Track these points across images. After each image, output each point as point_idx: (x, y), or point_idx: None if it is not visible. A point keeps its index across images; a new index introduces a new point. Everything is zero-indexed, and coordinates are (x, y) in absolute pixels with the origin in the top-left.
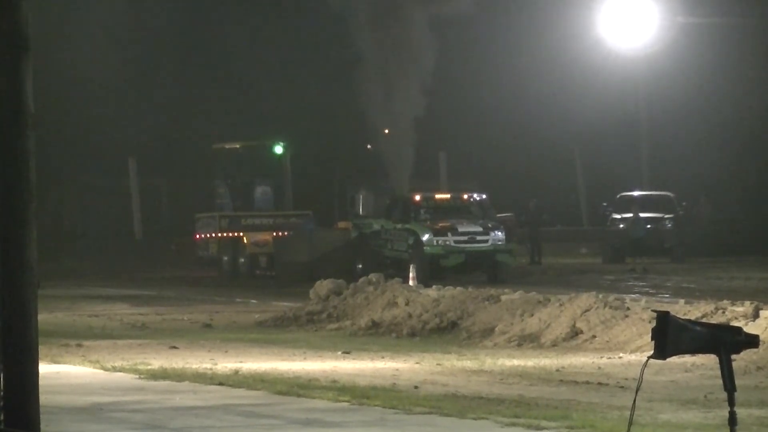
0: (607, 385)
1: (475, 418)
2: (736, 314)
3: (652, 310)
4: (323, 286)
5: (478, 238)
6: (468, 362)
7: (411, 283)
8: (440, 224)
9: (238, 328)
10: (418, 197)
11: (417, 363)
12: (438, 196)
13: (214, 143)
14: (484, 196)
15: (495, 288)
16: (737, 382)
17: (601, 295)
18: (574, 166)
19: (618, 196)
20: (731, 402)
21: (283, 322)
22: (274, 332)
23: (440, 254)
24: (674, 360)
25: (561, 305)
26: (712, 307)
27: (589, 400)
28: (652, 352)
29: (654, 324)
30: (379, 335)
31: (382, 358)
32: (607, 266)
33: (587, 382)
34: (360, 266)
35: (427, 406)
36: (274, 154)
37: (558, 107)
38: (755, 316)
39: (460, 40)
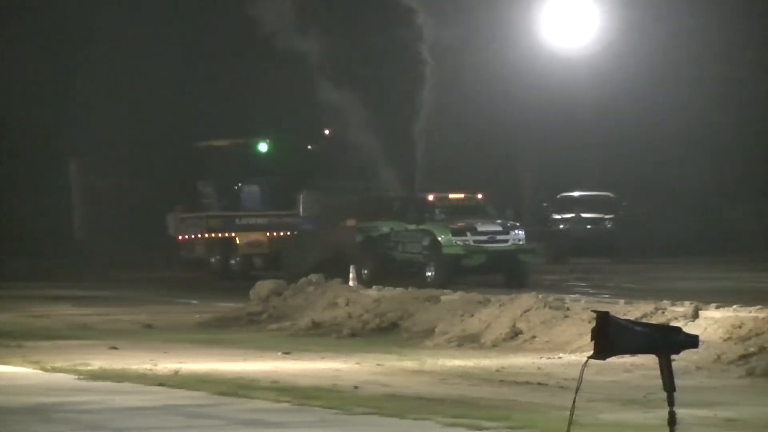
0: (547, 385)
1: (416, 419)
2: (676, 314)
3: (592, 311)
4: (264, 286)
5: (498, 237)
6: (409, 362)
7: (351, 283)
8: (458, 224)
9: (179, 329)
10: (432, 197)
11: (358, 363)
12: (452, 195)
13: (198, 141)
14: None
15: (435, 289)
16: (677, 382)
17: (541, 296)
18: (522, 166)
19: (558, 197)
20: (671, 402)
21: (223, 322)
22: (215, 333)
23: (461, 254)
24: (614, 360)
25: (501, 305)
26: (652, 307)
27: (530, 400)
28: (592, 352)
29: (594, 324)
30: (320, 336)
31: (323, 358)
32: (549, 266)
33: (528, 383)
34: (365, 272)
35: (368, 406)
36: (261, 153)
37: (505, 108)
38: (695, 316)
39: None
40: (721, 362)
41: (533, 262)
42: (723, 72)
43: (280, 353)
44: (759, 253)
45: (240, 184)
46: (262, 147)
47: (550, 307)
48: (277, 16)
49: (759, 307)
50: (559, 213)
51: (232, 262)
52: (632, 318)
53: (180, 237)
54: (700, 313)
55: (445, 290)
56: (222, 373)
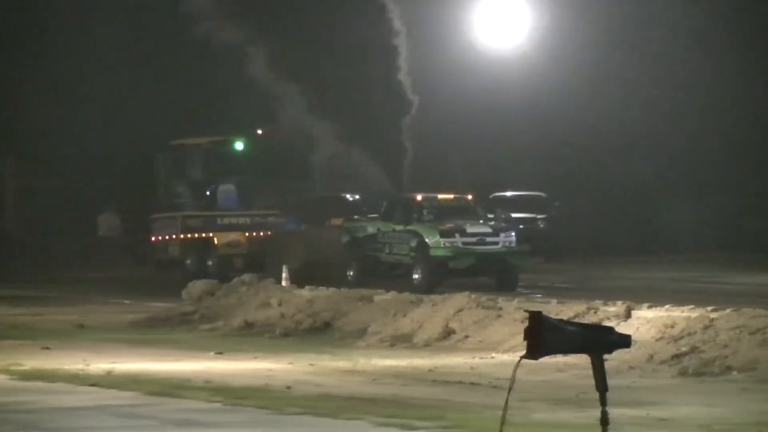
0: (480, 384)
1: (348, 418)
2: (608, 314)
3: (525, 310)
4: (196, 286)
5: (488, 239)
6: (341, 362)
7: (284, 283)
8: (447, 225)
9: (112, 329)
10: (419, 197)
11: (290, 363)
12: (441, 196)
13: (173, 140)
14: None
15: (368, 289)
16: (609, 381)
17: (473, 296)
18: (456, 166)
19: (490, 197)
20: (603, 402)
21: (156, 322)
22: (148, 333)
23: (448, 256)
24: (547, 360)
25: (434, 305)
26: (584, 307)
27: (463, 400)
28: (524, 352)
29: (527, 324)
30: (253, 336)
31: (256, 358)
32: None
33: (460, 382)
34: (351, 273)
35: (300, 406)
36: (238, 151)
37: (438, 108)
38: (627, 316)
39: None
40: (654, 362)
41: (523, 264)
42: (658, 72)
43: (212, 353)
44: (692, 254)
45: (216, 183)
46: (239, 145)
47: (483, 307)
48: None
49: (691, 307)
50: (491, 213)
51: (209, 263)
52: (565, 318)
53: (153, 237)
54: (633, 312)
55: (377, 290)
56: (154, 373)
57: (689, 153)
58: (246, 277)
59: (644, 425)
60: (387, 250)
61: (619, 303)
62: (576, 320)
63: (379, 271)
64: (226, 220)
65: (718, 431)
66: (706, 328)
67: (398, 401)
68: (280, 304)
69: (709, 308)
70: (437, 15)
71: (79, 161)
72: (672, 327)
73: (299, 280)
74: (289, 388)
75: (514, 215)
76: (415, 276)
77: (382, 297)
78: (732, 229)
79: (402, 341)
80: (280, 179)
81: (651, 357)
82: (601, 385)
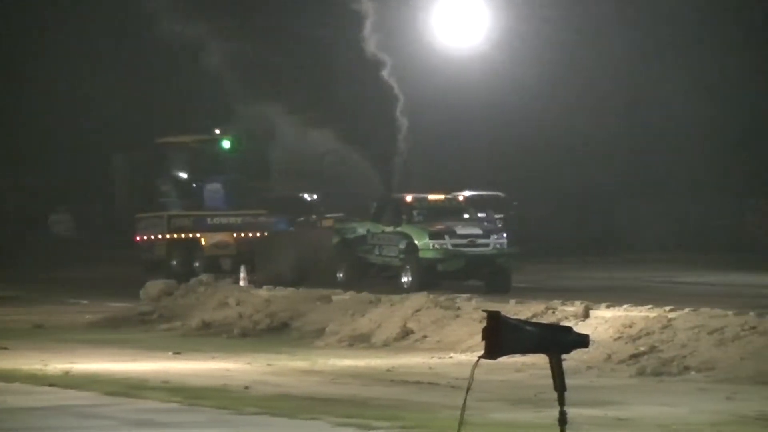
0: (438, 384)
1: (306, 419)
2: (566, 314)
3: (483, 310)
4: (154, 286)
5: (479, 241)
6: (299, 362)
7: (242, 283)
8: (437, 226)
9: (70, 329)
10: (410, 198)
11: (248, 363)
12: (431, 197)
13: (159, 137)
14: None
15: (328, 289)
16: (568, 381)
17: (432, 295)
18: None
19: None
20: (561, 402)
21: (114, 322)
22: (106, 333)
23: (437, 258)
24: (505, 360)
25: (392, 305)
26: (542, 306)
27: (421, 400)
28: (483, 351)
29: (485, 324)
30: (211, 336)
31: (214, 358)
32: None
33: (418, 382)
34: (341, 275)
35: (258, 406)
36: (225, 149)
37: (396, 107)
38: (585, 315)
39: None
40: (612, 361)
41: (514, 267)
42: (616, 72)
43: (170, 353)
44: (650, 254)
45: (202, 182)
46: (226, 143)
47: (441, 307)
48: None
49: (650, 306)
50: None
51: (196, 264)
52: (523, 317)
53: (138, 237)
54: (591, 312)
55: (335, 290)
56: (112, 373)
57: (649, 153)
58: (204, 277)
59: (602, 425)
60: (376, 252)
61: (578, 303)
62: (534, 320)
63: (369, 273)
64: (215, 220)
65: (676, 431)
66: (664, 328)
67: (356, 401)
68: (238, 304)
69: (668, 308)
70: (396, 14)
71: (34, 161)
72: (630, 327)
73: (288, 281)
74: (247, 388)
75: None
76: (404, 278)
77: (340, 297)
78: (690, 230)
79: (360, 341)
80: (240, 179)
81: (609, 357)
82: (560, 385)
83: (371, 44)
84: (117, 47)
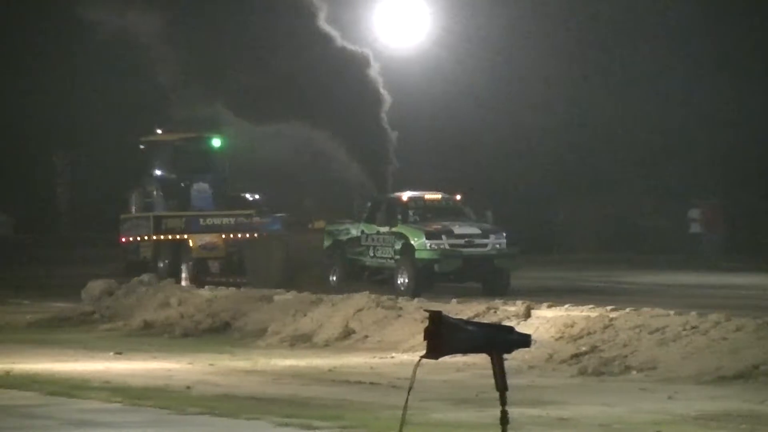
0: (379, 384)
1: (248, 419)
2: (508, 314)
3: (425, 310)
4: (95, 286)
5: (477, 241)
6: (241, 362)
7: (184, 283)
8: (433, 226)
9: (10, 329)
10: (405, 197)
11: (190, 363)
12: (428, 196)
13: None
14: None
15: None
16: (509, 381)
17: (373, 295)
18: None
19: (389, 196)
20: (503, 401)
21: (55, 322)
22: (47, 333)
23: (434, 259)
24: (447, 359)
25: (334, 305)
26: (484, 306)
27: (362, 400)
28: (424, 351)
29: (427, 324)
30: (152, 336)
31: (155, 358)
32: None
33: (360, 382)
34: (333, 278)
35: (200, 406)
36: (214, 148)
37: (340, 107)
38: (527, 315)
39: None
40: (553, 361)
41: (513, 268)
42: (556, 72)
43: (112, 353)
44: (590, 253)
45: (189, 182)
46: (216, 142)
47: (383, 307)
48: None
49: (591, 306)
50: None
51: (184, 266)
52: (464, 317)
53: (123, 238)
54: (533, 312)
55: (277, 290)
56: (54, 374)
57: (587, 153)
58: (145, 276)
59: (544, 425)
60: (371, 254)
61: (519, 302)
62: (476, 320)
63: (363, 276)
64: (203, 221)
65: (617, 430)
66: (605, 327)
67: (298, 401)
68: (179, 304)
69: (609, 308)
70: (337, 13)
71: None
72: (572, 326)
73: (279, 284)
74: (188, 388)
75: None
76: (400, 280)
77: (282, 297)
78: (629, 229)
79: (302, 341)
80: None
81: (551, 356)
82: (501, 385)
83: (322, 39)
84: (60, 46)
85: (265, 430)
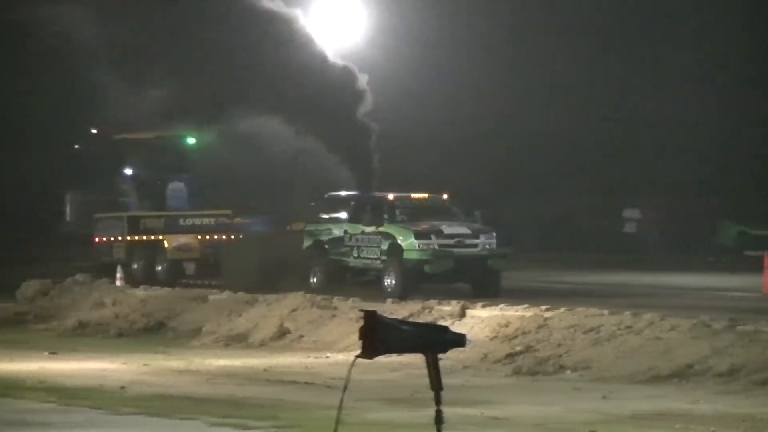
0: (314, 384)
1: (183, 419)
2: (443, 313)
3: (360, 310)
4: (29, 286)
5: (467, 241)
6: (175, 362)
7: (118, 283)
8: (422, 226)
9: None
10: (391, 197)
11: (124, 363)
12: (414, 195)
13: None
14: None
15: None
16: (444, 380)
17: (308, 295)
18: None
19: (326, 196)
20: (438, 401)
21: None
22: None
23: (424, 260)
24: (382, 359)
25: (269, 305)
26: (419, 306)
27: (297, 399)
28: (359, 351)
29: (361, 323)
30: (87, 335)
31: (90, 358)
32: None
33: (295, 382)
34: (314, 280)
35: (135, 406)
36: (189, 146)
37: (277, 107)
38: (462, 315)
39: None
40: (488, 361)
41: (505, 268)
42: (491, 71)
43: (46, 353)
44: (525, 253)
45: (164, 181)
46: (190, 140)
47: (318, 307)
48: None
49: (525, 306)
50: (326, 212)
51: (159, 268)
52: (400, 317)
53: (97, 239)
54: (467, 312)
55: (212, 290)
56: None
57: (523, 152)
58: (80, 276)
59: (478, 424)
60: (355, 254)
61: (454, 302)
62: (411, 319)
63: (346, 277)
64: (179, 222)
65: (551, 430)
66: (540, 327)
67: (233, 401)
68: (114, 304)
69: (543, 307)
70: (270, 12)
71: None
72: (506, 326)
73: (258, 286)
74: (123, 388)
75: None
76: (387, 281)
77: (216, 297)
78: (564, 229)
79: (237, 341)
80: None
81: (485, 356)
82: (436, 384)
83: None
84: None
85: (200, 430)
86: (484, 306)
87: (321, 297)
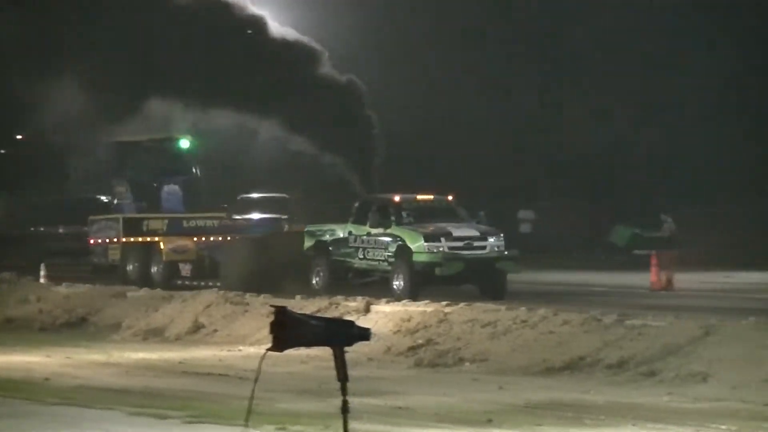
0: (228, 376)
1: (103, 408)
2: (349, 309)
3: (271, 306)
4: None
5: (476, 243)
6: (96, 355)
7: (42, 280)
8: (429, 228)
9: None
10: (398, 198)
11: (48, 356)
12: (420, 197)
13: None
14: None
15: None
16: (350, 372)
17: (222, 292)
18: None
19: (238, 198)
20: (344, 391)
21: None
22: None
23: (434, 262)
24: (291, 352)
25: (184, 301)
26: (326, 302)
27: (212, 391)
28: (270, 344)
29: (272, 318)
30: (12, 330)
31: (15, 352)
32: None
33: (209, 374)
34: (317, 280)
35: (58, 397)
36: (183, 149)
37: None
38: (367, 310)
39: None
40: (391, 353)
41: (514, 270)
42: (400, 70)
43: None
44: None
45: (159, 184)
46: (184, 143)
47: (231, 303)
48: None
49: (426, 302)
50: (238, 214)
51: (154, 269)
52: (308, 312)
53: (92, 240)
54: (372, 307)
55: (130, 287)
56: None
57: (436, 151)
58: (5, 274)
59: (382, 414)
60: (360, 256)
61: (359, 298)
62: (319, 315)
63: (349, 278)
64: (169, 223)
65: (451, 419)
66: (440, 321)
67: (150, 392)
68: (38, 300)
69: (444, 303)
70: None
71: None
72: (408, 321)
73: (256, 288)
74: (47, 379)
75: (260, 216)
76: (396, 283)
77: (135, 293)
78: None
79: (154, 335)
80: (39, 181)
81: (389, 349)
82: (342, 376)
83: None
84: None
85: (119, 419)
86: (387, 302)
87: (234, 293)
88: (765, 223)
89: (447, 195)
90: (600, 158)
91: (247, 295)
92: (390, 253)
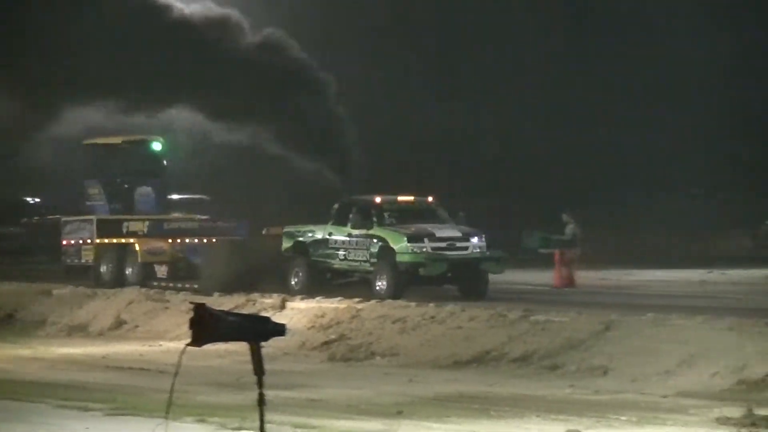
0: (149, 370)
1: (30, 401)
2: (265, 305)
3: (190, 302)
4: None
5: (458, 244)
6: (22, 350)
7: None
8: (412, 229)
9: None
10: (379, 199)
11: None
12: (401, 198)
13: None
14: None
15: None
16: (266, 366)
17: (143, 289)
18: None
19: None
20: (260, 384)
21: None
22: None
23: (418, 263)
24: (210, 347)
25: (107, 298)
26: (243, 299)
27: (133, 384)
28: (189, 339)
29: (191, 314)
30: None
31: None
32: None
33: (131, 368)
34: (295, 281)
35: None
36: (155, 151)
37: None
38: (282, 307)
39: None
40: (306, 348)
41: (497, 271)
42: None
43: None
44: None
45: (132, 185)
46: (156, 145)
47: (152, 300)
48: None
49: (340, 299)
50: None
51: (129, 271)
52: (226, 308)
53: (65, 241)
54: (287, 304)
55: (56, 284)
56: None
57: (382, 151)
58: None
59: (297, 406)
60: (341, 257)
61: (275, 295)
62: (236, 311)
63: (328, 279)
64: (150, 225)
65: (363, 411)
66: (353, 317)
67: (74, 385)
68: None
69: (356, 300)
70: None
71: None
72: (322, 317)
73: (235, 289)
74: None
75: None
76: (379, 284)
77: (60, 291)
78: None
79: (78, 331)
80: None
81: (303, 344)
82: (259, 370)
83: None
84: None
85: (45, 411)
86: (302, 299)
87: (154, 291)
88: (671, 221)
89: (426, 196)
90: (516, 160)
91: (167, 293)
92: (372, 254)
